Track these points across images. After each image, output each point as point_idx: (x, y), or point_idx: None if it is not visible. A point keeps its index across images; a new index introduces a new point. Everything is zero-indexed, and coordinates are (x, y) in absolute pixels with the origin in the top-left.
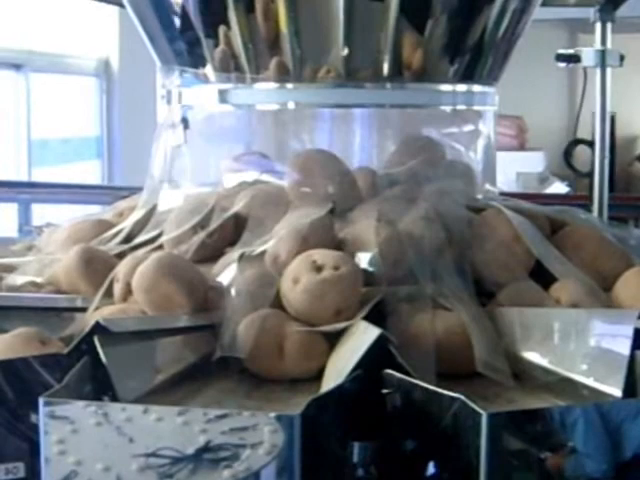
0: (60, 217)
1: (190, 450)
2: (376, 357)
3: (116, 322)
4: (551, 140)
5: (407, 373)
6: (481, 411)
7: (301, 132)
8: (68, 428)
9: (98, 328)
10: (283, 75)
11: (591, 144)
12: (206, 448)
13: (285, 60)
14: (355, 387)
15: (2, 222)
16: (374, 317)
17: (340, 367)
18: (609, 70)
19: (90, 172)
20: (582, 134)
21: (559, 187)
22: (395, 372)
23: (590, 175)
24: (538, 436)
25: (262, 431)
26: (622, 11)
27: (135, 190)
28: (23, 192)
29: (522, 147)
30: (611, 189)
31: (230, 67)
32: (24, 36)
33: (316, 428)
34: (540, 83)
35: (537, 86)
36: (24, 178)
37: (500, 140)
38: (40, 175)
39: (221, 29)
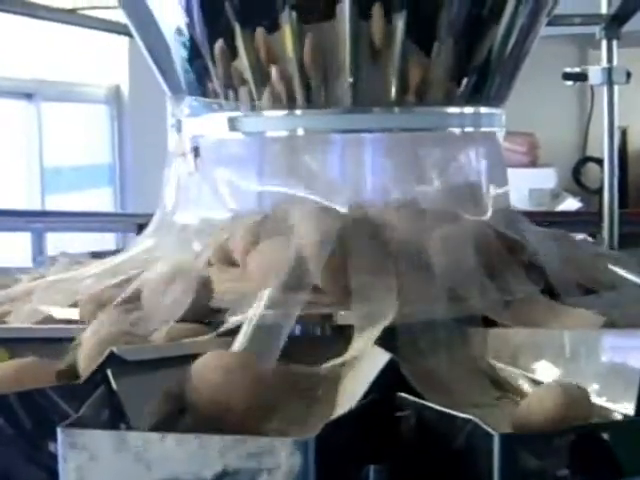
0: (75, 246)
1: (208, 475)
2: (388, 381)
3: (130, 351)
4: (563, 156)
5: (419, 396)
6: (493, 432)
7: (312, 158)
8: (86, 455)
9: (112, 357)
10: (289, 97)
11: (600, 162)
12: (224, 473)
13: (293, 86)
14: (369, 410)
15: (16, 252)
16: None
17: (353, 391)
18: (617, 86)
19: (102, 199)
20: (593, 150)
21: (572, 203)
22: (408, 395)
23: (600, 192)
24: (556, 456)
25: (279, 455)
26: (633, 25)
27: (148, 217)
28: (36, 221)
29: (534, 164)
30: (624, 204)
31: (239, 95)
32: (35, 66)
33: (331, 452)
34: (551, 99)
35: (548, 102)
36: (37, 207)
37: (512, 157)
38: (53, 203)
39: (229, 57)
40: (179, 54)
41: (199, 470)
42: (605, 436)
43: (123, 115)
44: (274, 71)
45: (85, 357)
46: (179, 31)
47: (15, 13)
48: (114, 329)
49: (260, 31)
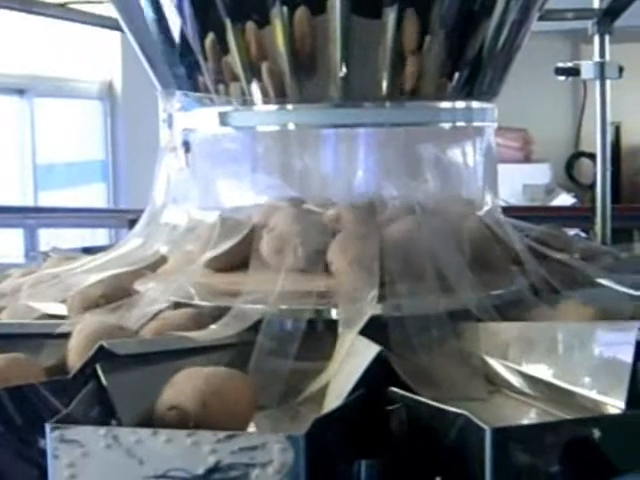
0: (68, 242)
1: (200, 471)
2: (378, 374)
3: (120, 345)
4: (557, 152)
5: (411, 390)
6: (485, 426)
7: (304, 152)
8: (78, 452)
9: (102, 352)
10: (280, 92)
11: (592, 156)
12: (216, 468)
13: (284, 81)
14: (359, 405)
15: (9, 247)
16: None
17: (342, 386)
18: (610, 82)
19: (96, 195)
20: (586, 145)
21: (565, 198)
22: (398, 389)
23: (593, 187)
24: (548, 450)
25: (271, 450)
26: (626, 21)
27: (140, 213)
28: (29, 217)
29: (527, 159)
30: (617, 200)
31: (230, 89)
32: (27, 61)
33: (321, 447)
34: (544, 95)
35: (541, 98)
36: (30, 203)
37: (505, 152)
38: (46, 199)
39: (220, 52)
40: (170, 48)
41: (191, 465)
42: (597, 431)
43: (116, 111)
44: (264, 66)
45: (74, 352)
46: (169, 25)
47: (5, 8)
48: (104, 323)
49: (251, 26)
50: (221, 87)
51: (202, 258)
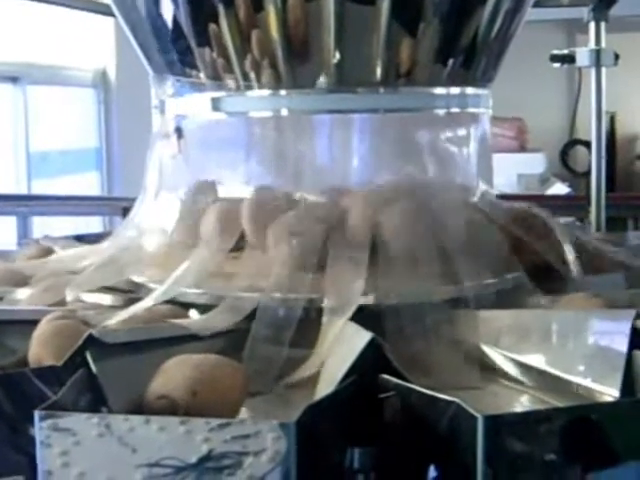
0: (62, 229)
1: (193, 459)
2: (371, 361)
3: (109, 333)
4: (551, 141)
5: (403, 377)
6: (477, 414)
7: (297, 138)
8: (70, 440)
9: (91, 340)
10: (274, 77)
11: (588, 144)
12: (209, 457)
13: (278, 66)
14: (352, 392)
15: (2, 235)
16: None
17: (334, 373)
18: (606, 69)
19: (89, 183)
20: (582, 134)
21: (560, 188)
22: (390, 377)
23: (587, 175)
24: (541, 438)
25: (265, 438)
26: (622, 10)
27: (133, 200)
28: (22, 205)
29: (522, 148)
30: (612, 189)
31: (223, 75)
32: (20, 49)
33: (313, 435)
34: (539, 84)
35: (536, 87)
36: (24, 191)
37: (500, 142)
38: (39, 187)
39: (213, 37)
40: (162, 33)
41: (184, 454)
42: (593, 418)
43: (110, 99)
44: (257, 52)
45: (35, 348)
46: (162, 10)
47: None
48: (66, 319)
49: (244, 11)
50: (214, 72)
51: (197, 247)
